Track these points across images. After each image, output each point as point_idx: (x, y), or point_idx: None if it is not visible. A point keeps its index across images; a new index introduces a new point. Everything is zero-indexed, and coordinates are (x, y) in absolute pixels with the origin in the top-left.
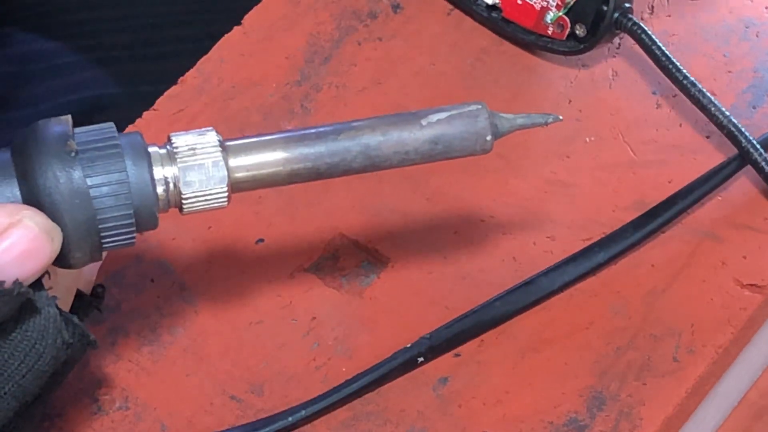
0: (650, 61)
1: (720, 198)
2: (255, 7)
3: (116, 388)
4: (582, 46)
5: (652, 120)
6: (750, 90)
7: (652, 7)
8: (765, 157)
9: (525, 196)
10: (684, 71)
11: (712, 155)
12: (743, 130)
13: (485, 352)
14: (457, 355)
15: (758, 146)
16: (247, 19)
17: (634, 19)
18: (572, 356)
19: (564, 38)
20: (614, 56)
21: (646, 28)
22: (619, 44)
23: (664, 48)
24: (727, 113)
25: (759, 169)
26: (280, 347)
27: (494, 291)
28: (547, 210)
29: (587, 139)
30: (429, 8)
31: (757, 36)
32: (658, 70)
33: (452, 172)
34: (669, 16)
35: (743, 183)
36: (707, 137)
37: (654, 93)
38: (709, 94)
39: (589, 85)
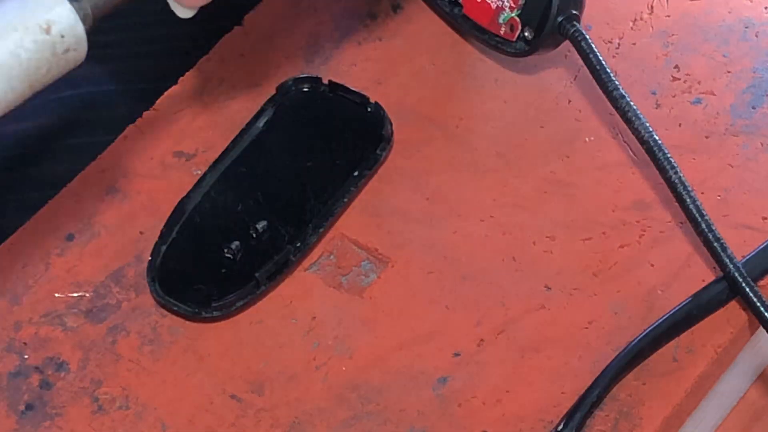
0: (650, 62)
1: (719, 198)
2: (255, 7)
3: (117, 388)
4: (527, 48)
5: (652, 120)
6: (749, 90)
7: (652, 7)
8: (680, 176)
9: (525, 196)
10: (616, 82)
11: (711, 155)
12: (663, 147)
13: (485, 351)
14: (457, 354)
15: (674, 163)
16: (247, 19)
17: (578, 25)
18: (572, 356)
19: (514, 40)
20: (614, 56)
21: (587, 36)
22: (619, 44)
23: (600, 57)
24: (650, 129)
25: (672, 187)
26: (280, 347)
27: (494, 291)
28: (547, 210)
29: (587, 139)
30: (429, 8)
31: (756, 36)
32: (658, 70)
33: (452, 171)
34: (668, 16)
35: (743, 182)
36: (707, 137)
37: (653, 93)
38: (635, 108)
39: (589, 85)
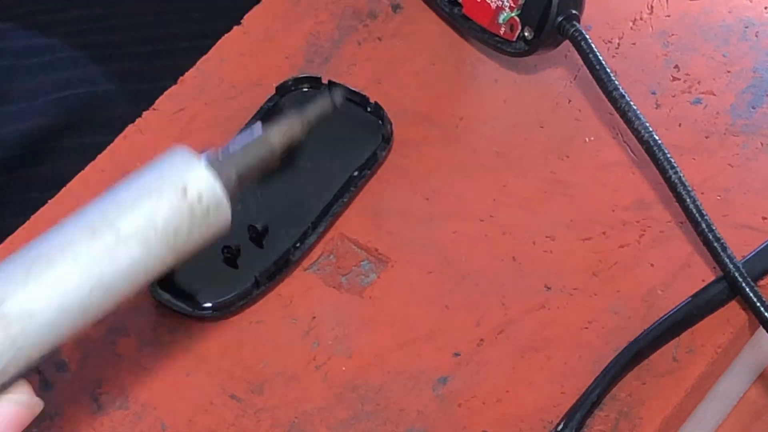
0: (650, 62)
1: (719, 198)
2: (255, 7)
3: (116, 387)
4: (527, 48)
5: (652, 120)
6: (749, 90)
7: (651, 7)
8: (680, 176)
9: (525, 196)
10: (615, 82)
11: (711, 155)
12: (663, 146)
13: (485, 351)
14: (457, 354)
15: (674, 163)
16: (247, 19)
17: (578, 25)
18: (572, 356)
19: (513, 39)
20: (614, 56)
21: (586, 36)
22: (618, 44)
23: (600, 57)
24: (650, 129)
25: (672, 187)
26: (280, 347)
27: (494, 291)
28: (547, 210)
29: (587, 139)
30: (428, 8)
31: (756, 36)
32: (658, 70)
33: (452, 171)
34: (668, 16)
35: (742, 182)
36: (706, 137)
37: (653, 93)
38: (635, 108)
39: (588, 85)
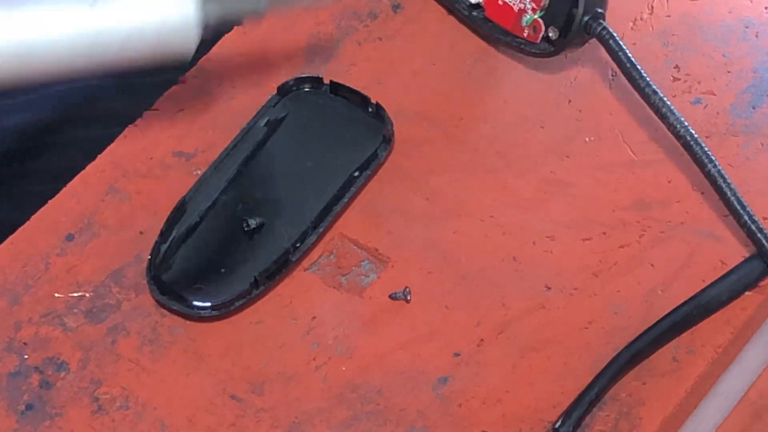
0: (650, 62)
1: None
2: None
3: (117, 388)
4: (553, 48)
5: (652, 120)
6: (749, 90)
7: (652, 7)
8: (719, 170)
9: (525, 196)
10: (648, 80)
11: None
12: (700, 141)
13: (485, 351)
14: (457, 354)
15: (713, 157)
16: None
17: (604, 24)
18: (572, 356)
19: (537, 41)
20: None
21: (614, 34)
22: None
23: (630, 54)
24: (686, 123)
25: (712, 180)
26: (280, 347)
27: (494, 291)
28: (547, 210)
29: (587, 139)
30: (429, 8)
31: (756, 36)
32: (658, 70)
33: (452, 171)
34: (669, 16)
35: (742, 182)
36: (706, 137)
37: None
38: (669, 103)
39: (589, 85)
